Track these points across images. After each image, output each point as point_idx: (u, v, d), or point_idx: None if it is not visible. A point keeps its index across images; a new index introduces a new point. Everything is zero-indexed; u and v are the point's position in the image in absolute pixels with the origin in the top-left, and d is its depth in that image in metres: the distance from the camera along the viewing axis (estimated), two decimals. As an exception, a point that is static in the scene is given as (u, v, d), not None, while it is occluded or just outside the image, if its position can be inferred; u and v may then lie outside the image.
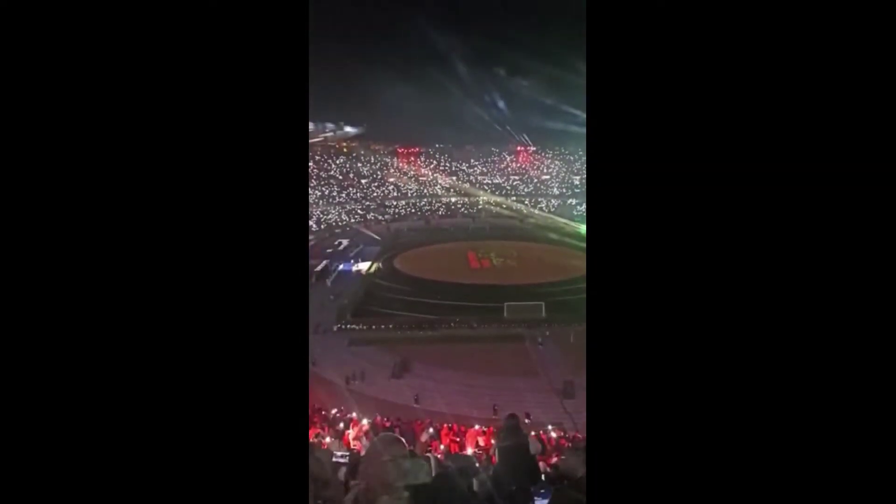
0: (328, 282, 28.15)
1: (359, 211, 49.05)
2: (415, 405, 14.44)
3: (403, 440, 1.37)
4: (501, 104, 53.82)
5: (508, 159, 60.88)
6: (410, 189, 55.33)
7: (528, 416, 13.25)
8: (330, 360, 17.50)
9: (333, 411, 11.60)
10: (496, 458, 2.34)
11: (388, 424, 10.79)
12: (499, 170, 60.06)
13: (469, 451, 8.40)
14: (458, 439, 9.50)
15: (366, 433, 8.75)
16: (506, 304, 20.82)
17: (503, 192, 54.65)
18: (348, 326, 20.80)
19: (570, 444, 8.75)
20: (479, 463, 3.99)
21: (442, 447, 7.85)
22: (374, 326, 20.70)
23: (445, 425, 10.91)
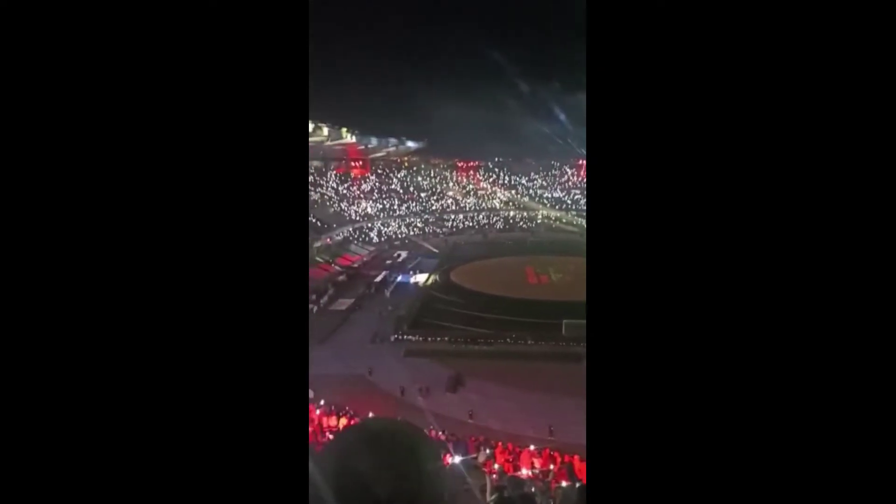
0: (387, 292, 28.79)
1: (418, 224, 49.99)
2: (469, 420, 14.25)
3: (484, 469, 1.29)
4: (562, 117, 52.93)
5: (570, 173, 59.66)
6: (469, 203, 55.67)
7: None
8: (385, 369, 17.76)
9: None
10: None
11: (442, 438, 10.73)
12: (559, 183, 59.01)
13: (524, 471, 8.12)
14: (511, 459, 9.24)
15: None
16: (564, 321, 20.18)
17: (563, 207, 53.54)
18: (405, 337, 21.06)
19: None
20: (536, 487, 3.81)
21: (496, 466, 7.65)
22: (429, 338, 20.81)
23: (500, 444, 10.66)
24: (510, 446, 10.36)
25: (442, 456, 0.56)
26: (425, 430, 0.57)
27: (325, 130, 49.26)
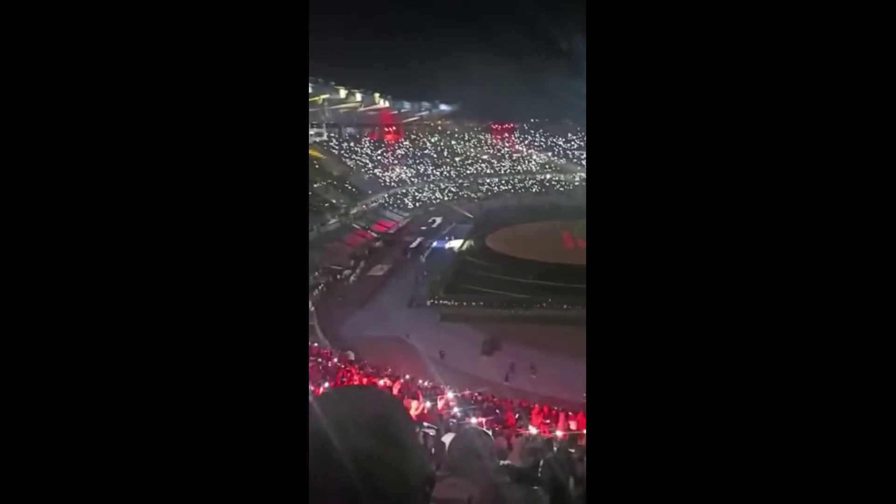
0: (422, 258, 29.11)
1: (452, 189, 49.66)
2: (504, 383, 14.51)
3: (490, 435, 1.31)
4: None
5: (609, 133, 57.13)
6: (504, 166, 54.63)
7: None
8: (421, 333, 18.17)
9: (424, 383, 12.07)
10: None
11: (479, 399, 11.00)
12: (598, 144, 56.66)
13: (558, 433, 8.25)
14: (548, 422, 9.39)
15: (450, 404, 9.07)
16: (602, 286, 19.85)
17: (602, 169, 51.55)
18: (440, 302, 21.37)
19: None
20: (576, 451, 3.85)
21: (532, 429, 7.80)
22: (465, 303, 21.02)
23: (536, 406, 10.82)
24: (545, 409, 10.51)
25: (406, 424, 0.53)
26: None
27: (359, 96, 48.96)
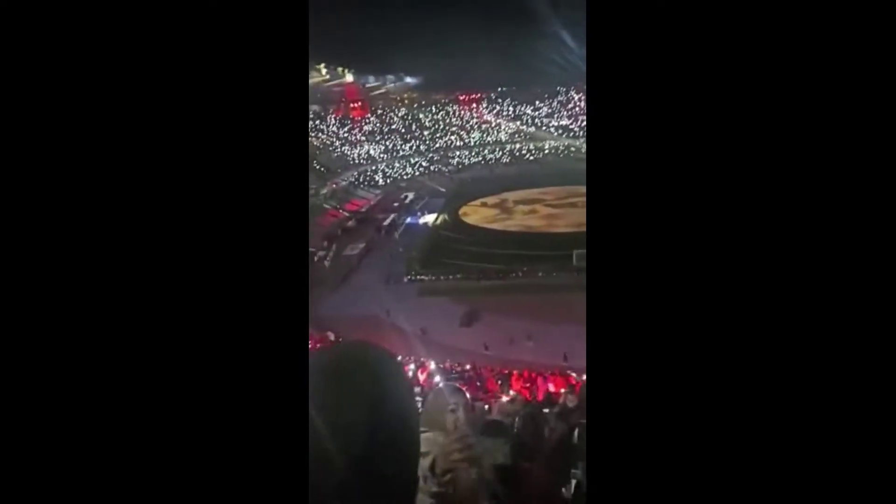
0: (396, 234, 28.98)
1: (423, 163, 49.12)
2: (485, 352, 14.80)
3: (465, 392, 1.36)
4: (564, 35, 49.53)
5: (577, 98, 57.15)
6: (473, 138, 54.20)
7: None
8: (401, 309, 18.27)
9: (407, 357, 12.21)
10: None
11: (458, 369, 11.23)
12: (566, 110, 56.75)
13: (538, 395, 8.52)
14: (528, 385, 9.69)
15: (430, 373, 9.27)
16: (574, 251, 20.25)
17: (572, 135, 51.82)
18: (418, 277, 21.42)
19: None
20: (550, 409, 3.99)
21: (513, 393, 8.04)
22: (442, 277, 21.15)
23: (515, 372, 11.13)
24: (525, 373, 10.82)
25: (400, 375, 0.57)
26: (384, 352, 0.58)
27: (324, 71, 47.32)
